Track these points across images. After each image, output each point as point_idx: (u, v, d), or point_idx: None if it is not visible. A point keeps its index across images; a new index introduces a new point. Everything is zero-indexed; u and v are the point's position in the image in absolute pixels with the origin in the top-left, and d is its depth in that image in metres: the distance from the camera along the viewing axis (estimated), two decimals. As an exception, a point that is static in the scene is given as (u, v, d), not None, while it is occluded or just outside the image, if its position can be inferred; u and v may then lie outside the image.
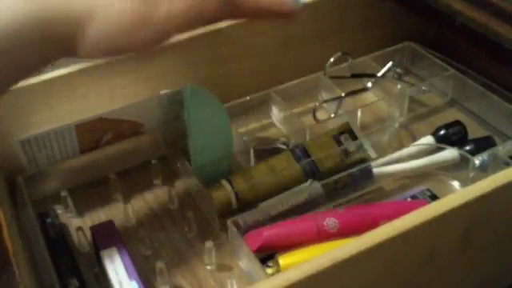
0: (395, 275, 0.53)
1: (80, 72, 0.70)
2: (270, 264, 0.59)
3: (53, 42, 0.46)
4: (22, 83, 0.67)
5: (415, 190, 0.68)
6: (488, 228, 0.57)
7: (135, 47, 0.48)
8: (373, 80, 0.80)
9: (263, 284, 0.44)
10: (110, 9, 0.46)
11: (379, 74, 0.80)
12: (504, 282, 0.64)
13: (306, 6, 0.79)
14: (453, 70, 0.79)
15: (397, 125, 0.76)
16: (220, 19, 0.52)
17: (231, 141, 0.71)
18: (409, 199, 0.66)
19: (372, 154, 0.71)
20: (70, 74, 0.70)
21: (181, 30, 0.49)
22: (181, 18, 0.48)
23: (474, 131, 0.75)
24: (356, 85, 0.80)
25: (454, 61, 0.80)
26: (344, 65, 0.79)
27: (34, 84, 0.68)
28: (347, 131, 0.72)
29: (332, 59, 0.77)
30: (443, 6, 0.66)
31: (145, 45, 0.48)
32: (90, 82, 0.71)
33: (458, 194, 0.52)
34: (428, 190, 0.68)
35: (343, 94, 0.76)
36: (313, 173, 0.68)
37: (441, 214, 0.50)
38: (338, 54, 0.77)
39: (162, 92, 0.71)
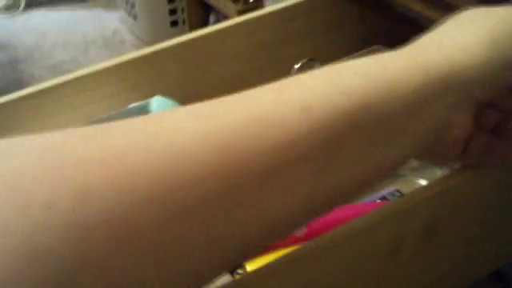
0: (359, 270, 0.53)
1: (47, 90, 0.70)
2: (239, 271, 0.59)
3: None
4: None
5: (384, 191, 0.68)
6: (452, 221, 0.57)
7: None
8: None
9: None
10: None
11: (348, 79, 0.80)
12: (471, 276, 0.64)
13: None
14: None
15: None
16: None
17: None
18: (378, 201, 0.66)
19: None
20: (38, 92, 0.70)
21: None
22: None
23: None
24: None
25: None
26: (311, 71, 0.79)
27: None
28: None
29: (298, 65, 0.77)
30: (400, 6, 0.66)
31: None
32: (58, 100, 0.71)
33: (418, 189, 0.52)
34: (397, 190, 0.68)
35: (312, 100, 0.76)
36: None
37: (400, 211, 0.50)
38: (304, 60, 0.78)
39: (131, 106, 0.71)
